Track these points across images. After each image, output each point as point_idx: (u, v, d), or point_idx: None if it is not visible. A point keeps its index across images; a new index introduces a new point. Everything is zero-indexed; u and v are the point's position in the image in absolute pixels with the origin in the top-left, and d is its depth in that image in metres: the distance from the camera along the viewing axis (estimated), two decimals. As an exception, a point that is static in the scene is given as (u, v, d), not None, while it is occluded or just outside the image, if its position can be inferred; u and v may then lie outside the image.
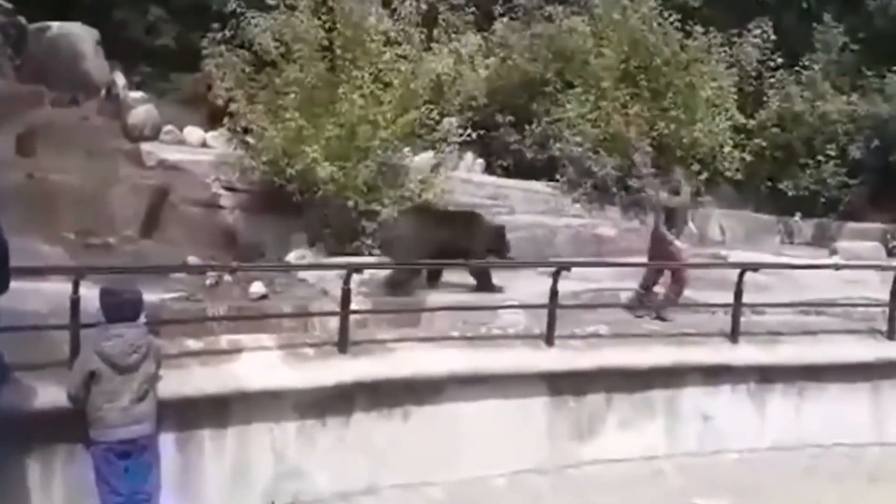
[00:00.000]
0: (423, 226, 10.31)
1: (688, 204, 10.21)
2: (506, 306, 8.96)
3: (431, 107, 13.21)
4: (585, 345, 7.90)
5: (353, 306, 7.11)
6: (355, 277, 7.57)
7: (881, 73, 18.32)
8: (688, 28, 17.06)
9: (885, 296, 9.03)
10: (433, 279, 10.34)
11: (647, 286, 9.62)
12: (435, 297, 9.58)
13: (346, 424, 6.67)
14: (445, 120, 13.85)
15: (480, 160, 16.54)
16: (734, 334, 8.39)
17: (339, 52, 13.00)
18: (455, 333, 7.69)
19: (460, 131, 13.88)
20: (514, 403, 7.41)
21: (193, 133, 14.87)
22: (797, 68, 18.73)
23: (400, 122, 12.68)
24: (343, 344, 6.81)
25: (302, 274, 10.19)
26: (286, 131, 12.16)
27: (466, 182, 14.84)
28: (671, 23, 16.96)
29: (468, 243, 10.21)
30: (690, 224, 10.51)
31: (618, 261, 11.98)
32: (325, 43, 13.06)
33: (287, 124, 12.14)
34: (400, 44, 13.38)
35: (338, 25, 13.09)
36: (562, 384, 7.63)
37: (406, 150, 12.98)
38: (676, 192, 9.93)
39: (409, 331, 7.65)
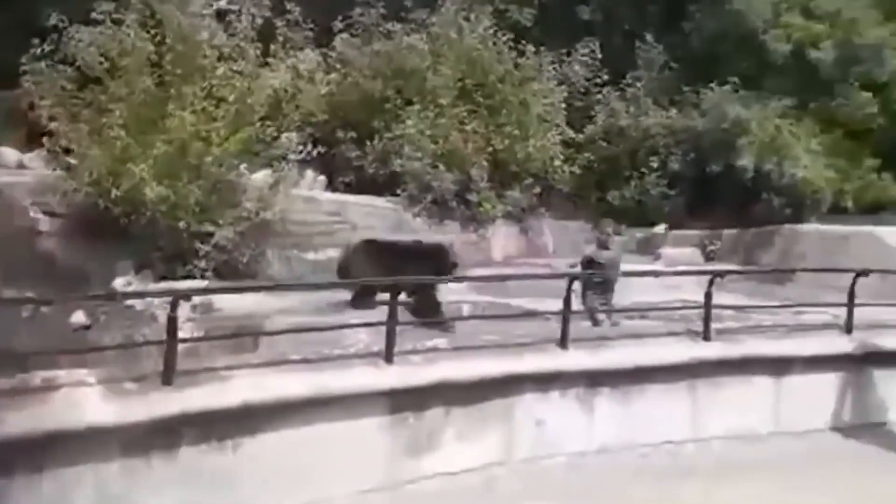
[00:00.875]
0: (379, 259, 9.86)
1: (618, 260, 10.21)
2: (347, 326, 8.72)
3: (269, 123, 12.81)
4: (424, 360, 7.75)
5: (183, 334, 6.68)
6: (186, 304, 7.12)
7: (697, 89, 19.22)
8: (520, 47, 17.43)
9: (701, 298, 9.31)
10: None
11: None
12: (286, 320, 9.24)
13: (173, 459, 6.23)
14: (284, 136, 13.48)
15: (322, 177, 16.23)
16: (564, 341, 8.45)
17: (168, 67, 12.40)
18: (294, 356, 7.35)
19: (300, 148, 13.52)
20: (354, 424, 7.16)
21: (9, 154, 13.85)
22: (622, 85, 19.51)
23: (235, 138, 12.22)
24: (168, 375, 6.35)
25: (130, 301, 9.55)
26: (111, 150, 11.43)
27: (308, 200, 14.47)
28: (505, 42, 17.29)
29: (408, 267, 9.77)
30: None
31: (463, 275, 11.93)
32: (154, 58, 12.43)
33: (112, 142, 11.42)
34: (235, 59, 12.91)
35: (168, 40, 12.48)
36: (401, 401, 7.45)
37: (242, 167, 12.51)
38: (605, 247, 9.97)
39: (247, 357, 7.26)
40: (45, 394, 5.85)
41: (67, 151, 11.95)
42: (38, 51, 12.12)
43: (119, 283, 10.82)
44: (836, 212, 18.05)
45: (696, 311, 9.42)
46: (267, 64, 13.60)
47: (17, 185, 12.27)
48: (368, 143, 16.64)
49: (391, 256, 10.01)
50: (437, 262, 10.21)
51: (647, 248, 17.19)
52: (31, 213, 11.82)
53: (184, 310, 6.73)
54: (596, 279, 9.95)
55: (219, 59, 12.71)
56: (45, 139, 12.07)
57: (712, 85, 18.72)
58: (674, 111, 19.05)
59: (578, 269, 10.22)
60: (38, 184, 12.14)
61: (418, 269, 9.81)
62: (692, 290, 10.54)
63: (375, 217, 14.97)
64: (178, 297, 6.65)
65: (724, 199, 18.16)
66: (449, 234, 15.14)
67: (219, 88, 12.49)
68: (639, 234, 17.29)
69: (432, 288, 9.77)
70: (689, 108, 19.11)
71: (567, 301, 8.56)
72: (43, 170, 12.48)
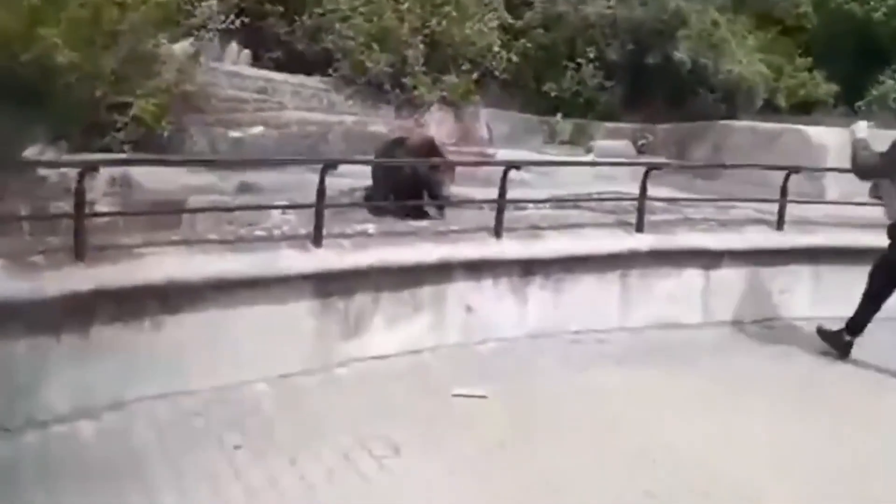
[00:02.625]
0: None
1: None
2: (273, 206, 8.37)
3: (184, -13, 11.97)
4: (354, 245, 7.55)
5: (98, 208, 6.25)
6: (105, 177, 6.65)
7: None
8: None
9: (634, 190, 9.31)
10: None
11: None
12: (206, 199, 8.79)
13: (86, 337, 5.90)
14: (205, 4, 12.66)
15: (247, 51, 15.37)
16: (498, 230, 8.36)
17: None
18: (214, 236, 7.04)
19: (222, 17, 12.76)
20: (279, 308, 6.96)
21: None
22: (562, -27, 18.84)
23: (152, 3, 11.40)
24: (80, 250, 5.96)
25: (43, 172, 8.97)
26: (17, 12, 10.54)
27: (232, 75, 13.74)
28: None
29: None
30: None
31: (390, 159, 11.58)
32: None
33: (19, 3, 10.53)
34: None
35: None
36: (329, 285, 7.27)
37: (161, 36, 11.74)
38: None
39: (163, 234, 6.88)
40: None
41: (-30, 11, 10.95)
42: None
43: (32, 154, 10.15)
44: (769, 110, 18.05)
45: (629, 202, 9.42)
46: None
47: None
48: (297, 17, 15.79)
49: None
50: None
51: (581, 139, 17.05)
52: (-70, 75, 10.88)
53: (100, 183, 6.26)
54: None
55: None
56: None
57: (655, -23, 18.24)
58: (614, 0, 18.57)
59: None
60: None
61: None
62: (625, 183, 10.56)
63: (305, 97, 14.36)
64: (86, 168, 6.17)
65: (661, 93, 18.03)
66: (382, 118, 14.72)
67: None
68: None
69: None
70: (630, -1, 18.66)
71: (502, 190, 8.42)
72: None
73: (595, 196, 10.44)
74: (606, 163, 12.93)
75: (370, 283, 7.52)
